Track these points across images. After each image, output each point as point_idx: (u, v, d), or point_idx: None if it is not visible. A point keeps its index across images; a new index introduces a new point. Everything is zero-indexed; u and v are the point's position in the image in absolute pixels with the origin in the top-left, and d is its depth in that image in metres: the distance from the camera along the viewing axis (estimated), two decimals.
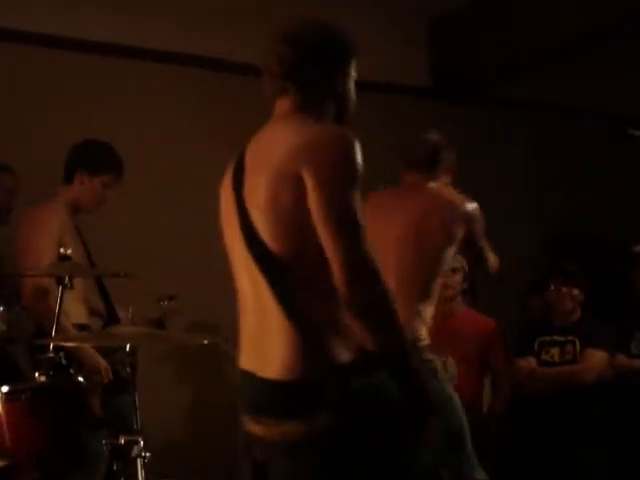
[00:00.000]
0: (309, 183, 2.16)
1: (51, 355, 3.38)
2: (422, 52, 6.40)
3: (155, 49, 5.38)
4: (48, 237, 3.85)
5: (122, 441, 2.75)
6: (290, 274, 2.22)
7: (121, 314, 4.05)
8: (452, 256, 3.70)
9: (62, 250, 3.56)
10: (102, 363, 3.78)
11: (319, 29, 2.39)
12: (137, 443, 2.75)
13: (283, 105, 2.38)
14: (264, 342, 2.28)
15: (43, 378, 3.31)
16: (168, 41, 5.39)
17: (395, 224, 3.58)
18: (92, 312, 4.03)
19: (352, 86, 2.46)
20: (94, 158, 4.06)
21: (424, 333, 3.52)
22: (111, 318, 4.08)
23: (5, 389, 3.20)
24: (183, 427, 5.54)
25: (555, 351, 5.04)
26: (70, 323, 3.80)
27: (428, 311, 3.58)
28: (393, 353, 2.23)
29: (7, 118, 4.87)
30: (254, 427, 2.31)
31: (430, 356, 3.53)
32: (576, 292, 5.07)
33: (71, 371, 3.51)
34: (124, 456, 2.74)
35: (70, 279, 3.48)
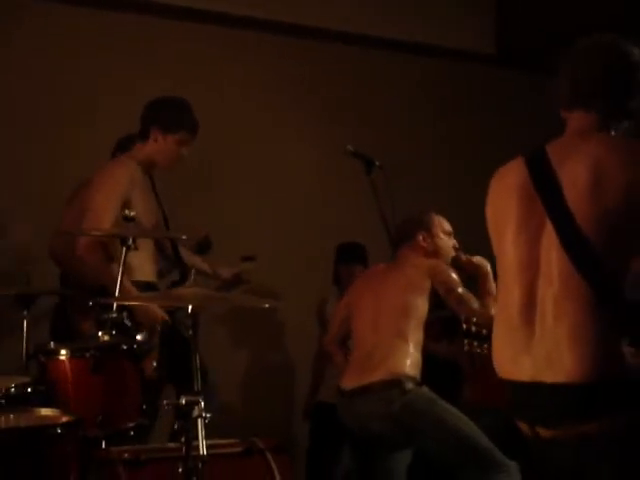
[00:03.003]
0: None
1: (114, 315, 3.42)
2: (488, 19, 6.33)
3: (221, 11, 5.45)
4: (113, 192, 3.85)
5: (183, 401, 2.77)
6: (611, 272, 2.29)
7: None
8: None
9: (127, 211, 3.57)
10: (157, 311, 3.80)
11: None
12: (198, 404, 2.77)
13: (584, 118, 2.46)
14: (548, 345, 2.33)
15: (107, 337, 3.35)
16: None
17: None
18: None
19: None
20: (168, 115, 4.02)
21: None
22: (182, 278, 4.11)
23: (70, 347, 3.26)
24: (242, 389, 5.60)
25: None
26: (132, 279, 3.83)
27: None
28: None
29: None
30: (543, 432, 2.39)
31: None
32: None
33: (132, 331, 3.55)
34: (185, 416, 2.75)
35: (134, 240, 3.50)
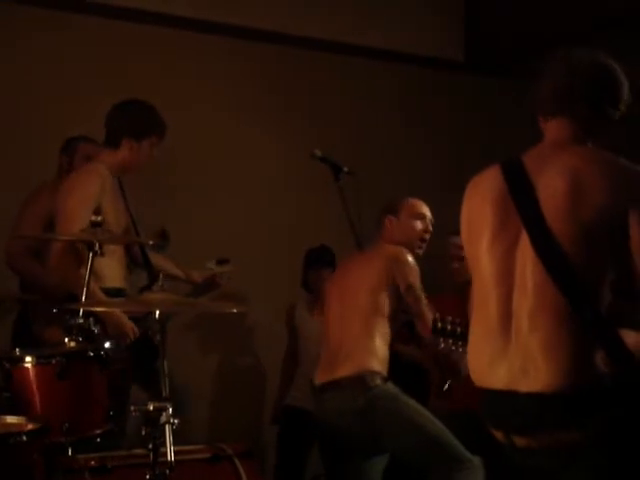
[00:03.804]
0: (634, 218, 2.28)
1: (81, 321, 3.39)
2: (456, 26, 6.36)
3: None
4: (85, 199, 3.83)
5: (151, 407, 2.75)
6: (586, 283, 2.30)
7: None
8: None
9: (94, 217, 3.55)
10: (127, 324, 3.79)
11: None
12: (166, 409, 2.75)
13: (563, 128, 2.47)
14: (523, 356, 2.34)
15: (73, 343, 3.33)
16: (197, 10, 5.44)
17: None
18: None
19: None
20: (139, 122, 4.01)
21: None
22: (152, 284, 4.09)
23: (35, 354, 3.23)
24: (210, 394, 5.58)
25: None
26: (102, 286, 3.81)
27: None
28: None
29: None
30: (519, 440, 2.39)
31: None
32: None
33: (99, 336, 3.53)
34: (153, 422, 2.74)
35: (100, 246, 3.48)
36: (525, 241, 2.38)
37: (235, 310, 3.45)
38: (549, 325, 2.32)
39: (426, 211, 4.07)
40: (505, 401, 2.39)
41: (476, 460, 3.64)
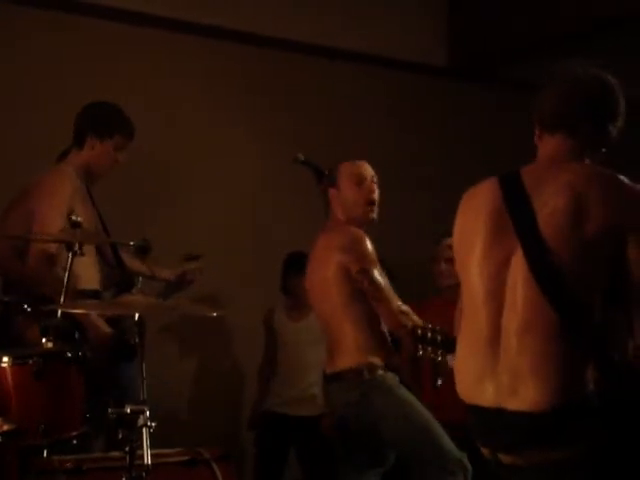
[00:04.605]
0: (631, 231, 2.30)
1: (58, 322, 3.37)
2: (440, 31, 6.37)
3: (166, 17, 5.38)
4: (58, 202, 3.82)
5: (128, 410, 2.73)
6: (580, 300, 2.30)
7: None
8: None
9: (73, 217, 3.54)
10: (108, 332, 3.78)
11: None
12: (143, 412, 2.73)
13: (561, 144, 2.47)
14: (511, 374, 2.33)
15: (50, 344, 3.30)
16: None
17: None
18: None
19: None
20: (104, 121, 4.02)
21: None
22: (126, 285, 4.07)
23: (12, 354, 3.20)
24: (189, 397, 5.55)
25: None
26: (80, 288, 3.79)
27: None
28: None
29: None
30: (505, 458, 2.39)
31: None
32: None
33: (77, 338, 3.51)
34: (130, 425, 2.72)
35: (80, 246, 3.47)
36: (519, 257, 2.37)
37: (215, 314, 3.42)
38: (539, 343, 2.31)
39: (364, 171, 3.84)
40: (492, 419, 2.39)
41: (464, 457, 3.62)
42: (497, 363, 2.38)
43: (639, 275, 2.29)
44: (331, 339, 3.85)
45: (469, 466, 3.62)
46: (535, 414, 2.29)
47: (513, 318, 2.35)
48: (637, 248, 2.29)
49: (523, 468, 2.36)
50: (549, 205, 2.35)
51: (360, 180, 3.80)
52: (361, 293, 3.69)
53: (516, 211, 2.41)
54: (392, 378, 3.75)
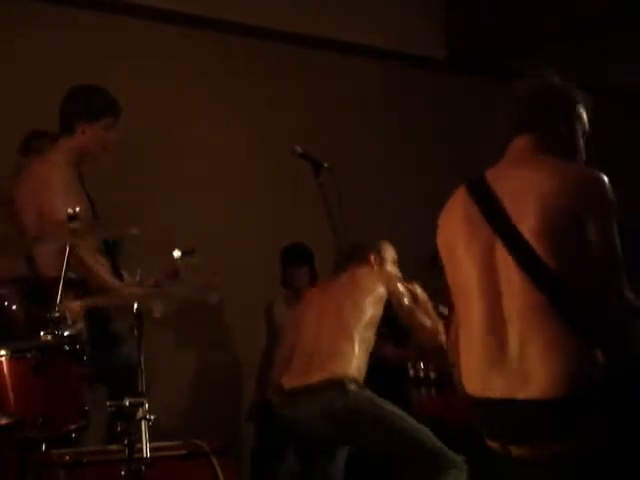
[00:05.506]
0: (590, 220, 2.38)
1: (57, 314, 3.36)
2: (438, 23, 6.36)
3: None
4: (56, 193, 3.80)
5: (127, 403, 2.73)
6: (570, 289, 2.36)
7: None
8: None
9: (70, 210, 3.52)
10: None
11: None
12: (142, 405, 2.74)
13: (524, 144, 2.60)
14: (520, 363, 2.37)
15: (49, 337, 3.29)
16: None
17: None
18: None
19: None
20: (90, 104, 3.97)
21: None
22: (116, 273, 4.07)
23: (10, 347, 3.20)
24: (187, 390, 5.55)
25: None
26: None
27: None
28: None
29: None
30: (515, 450, 2.41)
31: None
32: None
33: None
34: (129, 418, 2.72)
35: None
36: (501, 249, 2.44)
37: (214, 297, 3.42)
38: (545, 330, 2.35)
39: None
40: (503, 410, 2.41)
41: (460, 460, 3.64)
42: (503, 355, 2.41)
43: (596, 256, 2.37)
44: (311, 350, 3.88)
45: (464, 465, 3.63)
46: (545, 401, 2.32)
47: (514, 306, 2.41)
48: (594, 232, 2.37)
49: (533, 461, 2.38)
50: (514, 197, 2.46)
51: (396, 262, 4.27)
52: (372, 313, 3.90)
53: (486, 207, 2.51)
54: (371, 393, 3.80)
